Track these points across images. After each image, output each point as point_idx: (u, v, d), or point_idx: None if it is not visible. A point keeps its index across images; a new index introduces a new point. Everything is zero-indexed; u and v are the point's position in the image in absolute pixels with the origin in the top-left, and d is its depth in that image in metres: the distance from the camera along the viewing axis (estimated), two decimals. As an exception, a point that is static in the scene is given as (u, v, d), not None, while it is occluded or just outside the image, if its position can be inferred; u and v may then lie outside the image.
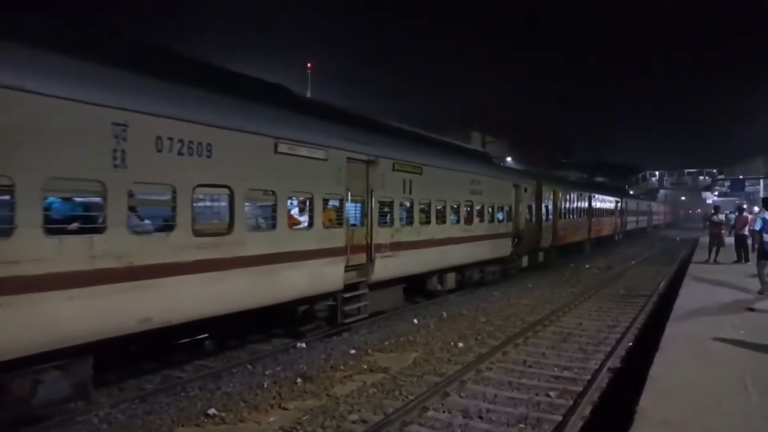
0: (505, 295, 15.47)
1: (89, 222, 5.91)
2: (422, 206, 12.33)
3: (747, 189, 46.09)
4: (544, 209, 21.41)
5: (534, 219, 20.48)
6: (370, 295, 10.75)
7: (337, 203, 9.70)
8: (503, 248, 17.14)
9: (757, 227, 12.14)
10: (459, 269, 14.71)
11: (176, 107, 6.73)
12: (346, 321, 10.24)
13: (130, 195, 6.17)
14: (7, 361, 5.09)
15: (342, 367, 8.42)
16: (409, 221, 11.90)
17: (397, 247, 11.26)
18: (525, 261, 19.84)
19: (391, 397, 7.17)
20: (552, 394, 7.27)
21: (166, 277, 6.49)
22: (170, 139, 6.54)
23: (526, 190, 19.36)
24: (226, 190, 7.37)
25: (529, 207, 19.99)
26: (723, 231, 20.18)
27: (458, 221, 14.14)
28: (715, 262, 18.69)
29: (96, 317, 5.79)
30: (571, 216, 25.88)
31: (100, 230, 5.84)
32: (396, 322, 11.67)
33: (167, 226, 6.68)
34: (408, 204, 11.87)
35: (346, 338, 10.26)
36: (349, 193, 9.83)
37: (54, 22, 6.71)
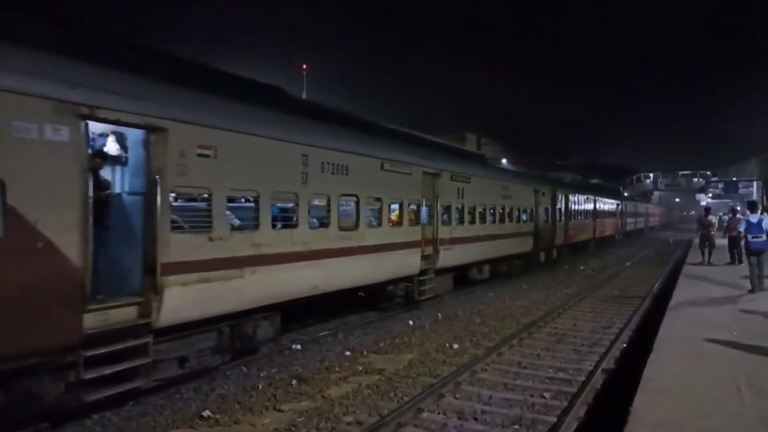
0: (500, 296, 15.50)
1: (290, 220, 8.82)
2: (470, 209, 15.32)
3: (740, 191, 46.34)
4: (557, 211, 24.08)
5: (550, 220, 22.95)
6: (433, 280, 13.47)
7: (415, 207, 12.53)
8: (526, 245, 20.05)
9: (742, 228, 13.01)
10: (493, 261, 17.55)
11: (331, 142, 9.73)
12: (420, 299, 13.07)
13: (310, 202, 9.08)
14: (243, 312, 7.92)
15: (337, 369, 8.42)
16: (461, 221, 14.88)
17: (454, 241, 14.21)
18: (543, 256, 22.60)
19: (386, 398, 7.17)
20: (547, 395, 7.29)
21: (326, 258, 9.39)
22: (328, 163, 9.47)
23: (543, 194, 22.05)
24: (355, 198, 10.29)
25: (546, 209, 22.45)
26: (713, 233, 20.33)
27: (494, 221, 17.06)
28: (709, 263, 18.78)
29: (292, 284, 8.69)
30: (579, 217, 28.61)
31: (295, 225, 8.74)
32: (391, 324, 11.67)
33: (325, 223, 9.59)
34: (460, 207, 14.90)
35: (341, 339, 10.26)
36: (424, 199, 12.75)
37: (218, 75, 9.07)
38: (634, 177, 67.57)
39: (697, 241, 21.86)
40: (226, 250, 7.39)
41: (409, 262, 12.22)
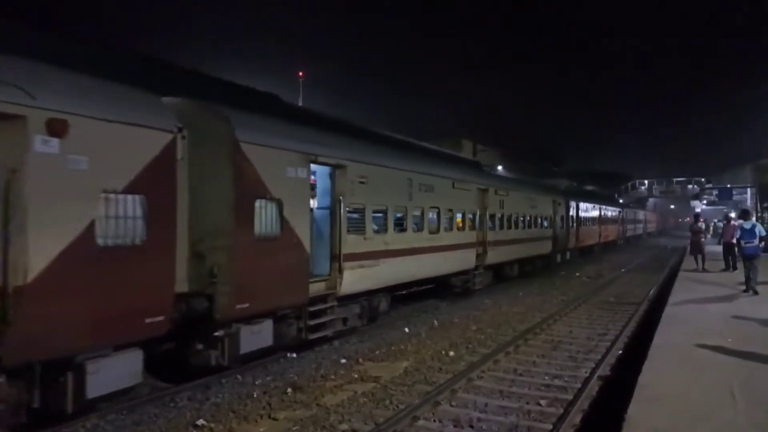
0: (496, 303, 15.51)
1: (401, 226, 12.25)
2: (507, 217, 18.67)
3: (735, 198, 46.52)
4: (570, 218, 27.45)
5: (564, 226, 26.31)
6: (482, 274, 17.11)
7: (472, 215, 15.96)
8: (547, 247, 23.66)
9: (738, 235, 14.35)
10: (521, 261, 20.95)
11: (425, 168, 13.47)
12: (474, 288, 16.46)
13: (413, 213, 12.52)
14: (374, 290, 11.38)
15: (332, 377, 8.39)
16: (501, 227, 18.20)
17: (497, 243, 17.66)
18: (558, 258, 26.21)
19: (382, 406, 7.15)
20: (542, 402, 7.29)
21: (421, 254, 12.74)
22: (422, 184, 12.94)
23: (559, 204, 25.61)
24: (437, 209, 13.67)
25: (561, 217, 25.92)
26: (703, 239, 20.50)
27: (524, 227, 20.49)
28: (704, 270, 18.85)
29: (403, 271, 12.16)
30: (587, 224, 32.03)
31: (404, 230, 12.26)
32: (387, 331, 11.65)
33: (420, 228, 12.94)
34: (500, 216, 18.14)
35: (336, 347, 10.24)
36: (477, 210, 16.33)
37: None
38: (629, 184, 67.81)
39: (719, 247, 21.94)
40: (372, 246, 10.96)
41: (468, 258, 15.73)
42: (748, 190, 42.07)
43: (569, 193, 30.20)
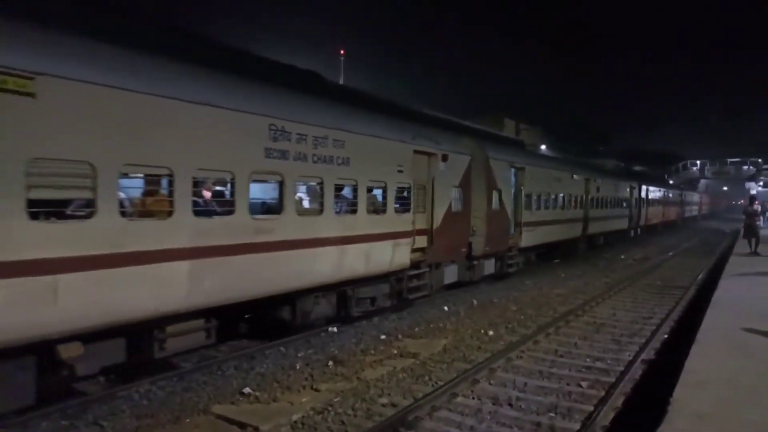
0: (537, 284, 15.35)
1: (546, 205, 18.47)
2: (602, 198, 24.68)
3: (794, 179, 44.14)
4: (641, 200, 33.05)
5: (637, 206, 32.26)
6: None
7: (581, 198, 22.11)
8: (624, 224, 29.83)
9: None
10: (606, 234, 26.85)
11: (564, 167, 21.30)
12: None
13: (554, 196, 19.25)
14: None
15: (372, 352, 8.53)
16: (598, 206, 24.30)
17: (595, 219, 24.20)
18: (632, 233, 32.34)
19: (421, 382, 7.25)
20: (583, 384, 7.23)
21: (556, 224, 19.32)
22: (555, 177, 19.47)
23: (634, 188, 31.42)
24: (568, 194, 20.52)
25: (636, 199, 31.71)
26: (758, 222, 19.71)
27: (611, 207, 26.65)
28: (756, 253, 18.11)
29: (546, 235, 18.47)
30: (654, 205, 37.47)
31: (548, 207, 18.72)
32: (426, 309, 11.72)
33: (557, 206, 19.45)
34: (599, 198, 24.31)
35: (376, 324, 10.38)
36: (582, 194, 22.32)
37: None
38: (681, 164, 65.22)
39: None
40: (535, 217, 16.78)
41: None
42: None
43: (641, 178, 35.71)
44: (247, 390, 6.74)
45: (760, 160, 57.51)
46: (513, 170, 15.97)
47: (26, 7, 5.75)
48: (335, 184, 8.90)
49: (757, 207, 20.76)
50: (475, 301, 12.66)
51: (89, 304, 5.55)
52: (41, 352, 5.51)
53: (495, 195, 14.59)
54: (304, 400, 6.55)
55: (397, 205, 10.59)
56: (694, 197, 61.49)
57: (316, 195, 8.80)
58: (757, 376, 5.92)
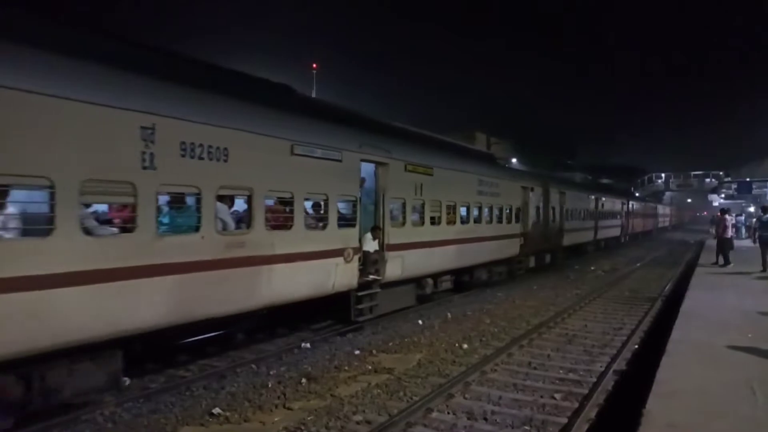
0: (510, 296, 15.44)
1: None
2: (600, 212, 30.71)
3: (754, 191, 45.72)
4: (626, 212, 39.40)
5: (626, 218, 38.93)
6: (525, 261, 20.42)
7: (589, 211, 28.46)
8: (617, 232, 36.69)
9: (756, 227, 17.50)
10: (597, 242, 31.40)
11: (576, 190, 28.56)
12: (519, 273, 18.89)
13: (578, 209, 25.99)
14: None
15: (346, 368, 8.41)
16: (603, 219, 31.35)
17: (604, 227, 32.06)
18: (624, 239, 39.10)
19: (396, 398, 7.16)
20: (557, 396, 7.25)
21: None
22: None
23: (624, 204, 38.77)
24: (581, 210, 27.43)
25: (625, 212, 38.72)
26: (730, 234, 20.09)
27: (607, 219, 32.71)
28: (723, 264, 18.57)
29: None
30: (636, 217, 43.99)
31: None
32: (400, 323, 11.65)
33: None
34: (599, 212, 30.85)
35: (350, 339, 10.26)
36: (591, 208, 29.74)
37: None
38: (645, 177, 66.97)
39: (710, 242, 21.66)
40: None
41: (512, 246, 18.10)
42: (768, 183, 41.29)
43: (627, 195, 44.41)
44: (216, 410, 6.55)
45: (722, 173, 59.49)
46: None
47: None
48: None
49: (728, 218, 21.03)
50: (449, 315, 12.65)
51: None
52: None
53: (544, 211, 21.17)
54: (276, 419, 6.39)
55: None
56: (667, 210, 68.79)
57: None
58: (726, 387, 6.02)
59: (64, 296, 5.45)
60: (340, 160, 9.55)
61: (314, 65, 34.93)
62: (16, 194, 5.45)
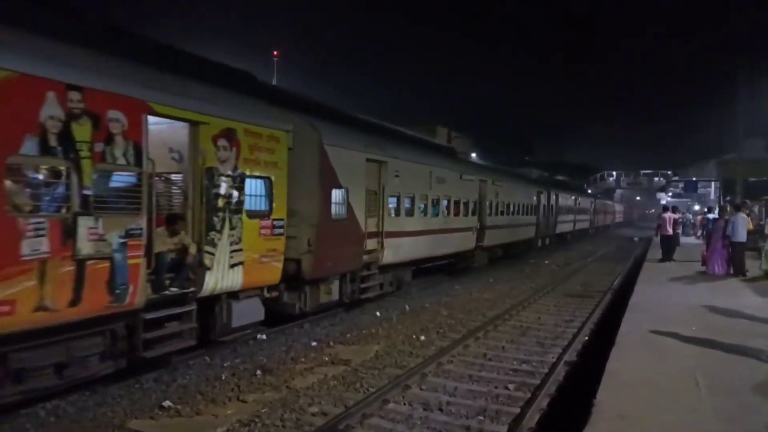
0: (467, 289, 15.63)
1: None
2: (577, 209, 38.91)
3: (699, 191, 47.88)
4: (594, 210, 47.55)
5: (593, 214, 46.68)
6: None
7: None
8: (586, 224, 43.87)
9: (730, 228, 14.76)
10: (574, 233, 38.68)
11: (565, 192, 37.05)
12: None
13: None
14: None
15: (303, 360, 8.32)
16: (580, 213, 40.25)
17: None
18: (592, 231, 46.90)
19: (352, 389, 7.12)
20: (511, 386, 7.36)
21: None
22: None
23: (592, 202, 47.08)
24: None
25: (592, 209, 46.23)
26: (678, 232, 21.18)
27: (586, 215, 43.29)
28: (671, 260, 19.29)
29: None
30: (600, 213, 52.48)
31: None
32: (358, 315, 11.62)
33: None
34: (590, 209, 44.72)
35: (307, 330, 10.16)
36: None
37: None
38: (598, 175, 69.01)
39: (657, 238, 22.36)
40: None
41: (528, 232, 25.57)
42: (713, 183, 43.26)
43: (593, 195, 52.80)
44: (167, 403, 6.36)
45: (669, 172, 61.95)
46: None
47: None
48: None
49: (679, 216, 21.99)
50: (407, 307, 12.69)
51: None
52: None
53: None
54: (229, 412, 6.26)
55: None
56: (621, 207, 77.13)
57: None
58: (673, 378, 6.23)
59: (409, 241, 13.41)
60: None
61: (276, 53, 34.36)
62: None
